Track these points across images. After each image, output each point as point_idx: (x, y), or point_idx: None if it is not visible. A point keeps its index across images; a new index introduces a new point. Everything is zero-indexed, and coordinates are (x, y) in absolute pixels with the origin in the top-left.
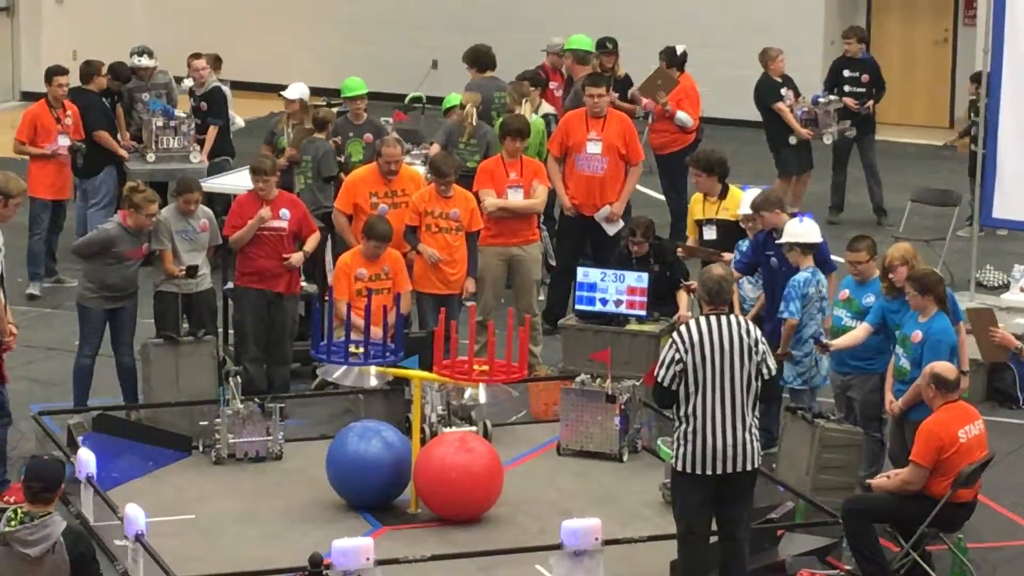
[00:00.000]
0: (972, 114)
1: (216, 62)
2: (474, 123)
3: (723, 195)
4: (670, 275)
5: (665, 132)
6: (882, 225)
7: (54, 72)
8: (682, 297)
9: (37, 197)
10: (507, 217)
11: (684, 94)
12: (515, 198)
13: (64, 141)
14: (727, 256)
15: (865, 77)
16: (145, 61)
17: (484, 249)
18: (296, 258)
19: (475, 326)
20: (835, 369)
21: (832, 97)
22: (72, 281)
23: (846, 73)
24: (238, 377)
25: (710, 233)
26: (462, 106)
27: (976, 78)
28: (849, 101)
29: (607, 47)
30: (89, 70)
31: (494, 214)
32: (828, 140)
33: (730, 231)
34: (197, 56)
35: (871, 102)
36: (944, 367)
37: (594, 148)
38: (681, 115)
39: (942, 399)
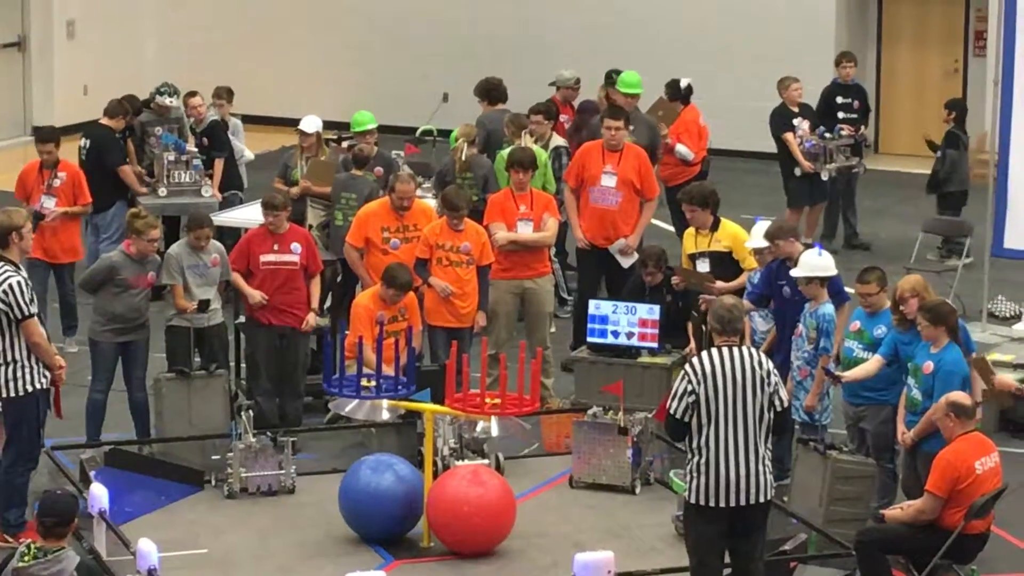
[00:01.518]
0: (944, 141)
1: (229, 95)
2: (463, 157)
3: (715, 227)
4: (682, 305)
5: (670, 164)
6: (854, 248)
7: (40, 139)
8: (693, 328)
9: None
10: (518, 250)
11: (684, 127)
12: (525, 231)
13: (49, 204)
14: (720, 284)
15: (857, 103)
16: (172, 101)
17: (496, 283)
18: (311, 321)
19: (487, 360)
20: (847, 400)
21: (843, 133)
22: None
23: (839, 100)
24: (250, 411)
25: (703, 266)
26: (456, 139)
27: (950, 105)
28: (847, 129)
29: (612, 78)
30: (118, 109)
31: (505, 247)
32: (825, 176)
33: (723, 263)
34: (193, 94)
35: (864, 128)
36: (960, 395)
37: (609, 181)
38: (680, 148)
39: (961, 428)
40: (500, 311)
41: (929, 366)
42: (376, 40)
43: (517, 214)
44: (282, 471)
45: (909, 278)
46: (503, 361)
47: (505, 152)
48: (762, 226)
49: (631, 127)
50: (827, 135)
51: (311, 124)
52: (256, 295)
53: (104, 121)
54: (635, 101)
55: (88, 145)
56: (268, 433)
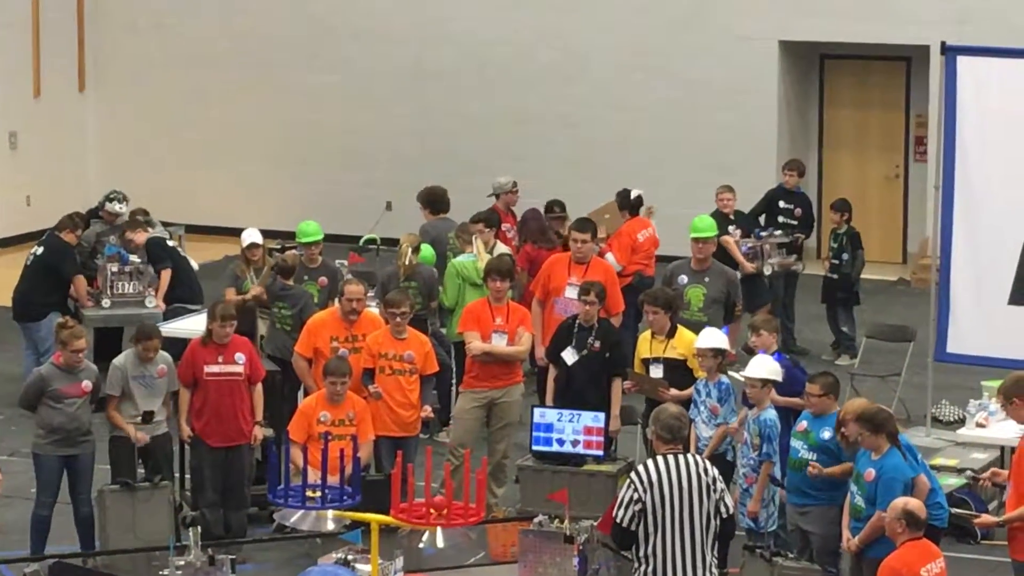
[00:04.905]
0: (832, 242)
1: (145, 214)
2: (408, 263)
3: (671, 334)
4: (609, 357)
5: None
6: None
7: None
8: (616, 386)
9: None
10: (490, 362)
11: (618, 237)
12: (500, 343)
13: None
14: (673, 392)
15: (799, 211)
16: (122, 207)
17: (464, 392)
18: (258, 436)
19: (449, 467)
20: (791, 502)
21: (777, 232)
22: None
23: (782, 204)
24: (198, 526)
25: (656, 371)
26: (416, 249)
27: (836, 206)
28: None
29: (555, 211)
30: (68, 223)
31: (478, 358)
32: (768, 271)
33: (677, 371)
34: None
35: (804, 238)
36: (916, 505)
37: (573, 293)
38: (609, 257)
39: (908, 536)
40: (463, 420)
41: (871, 473)
42: (318, 150)
43: (493, 325)
44: None
45: (854, 401)
46: (467, 456)
47: (458, 261)
48: (711, 332)
49: (706, 278)
50: (762, 234)
51: (253, 236)
52: (185, 432)
53: (60, 234)
54: (709, 248)
55: (42, 252)
56: (209, 550)
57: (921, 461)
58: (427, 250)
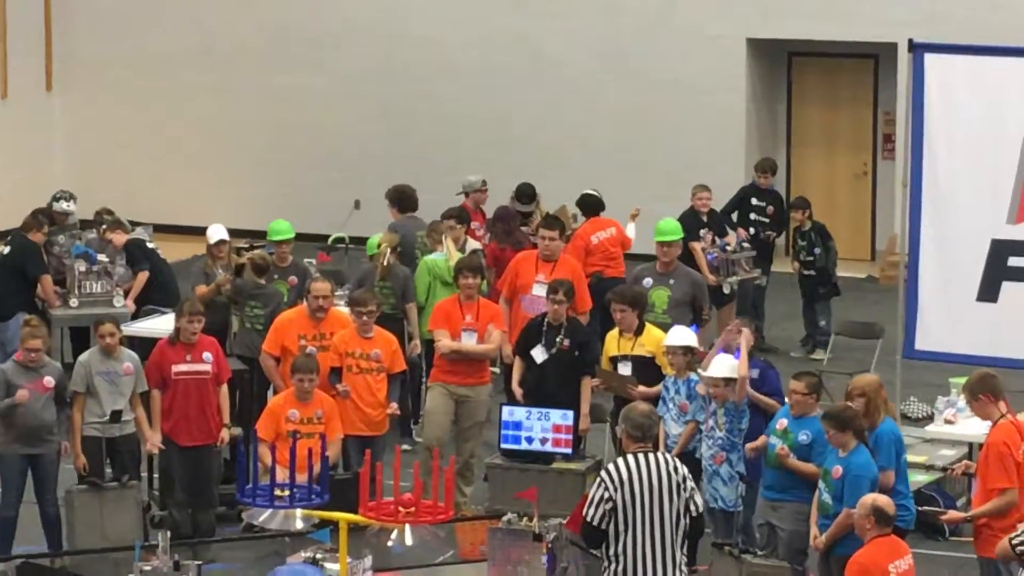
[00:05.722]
0: (800, 240)
1: (109, 214)
2: (387, 263)
3: (639, 331)
4: (578, 355)
5: None
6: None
7: None
8: (585, 384)
9: None
10: (459, 359)
11: (574, 239)
12: (469, 341)
13: None
14: (642, 389)
15: (771, 209)
16: (69, 206)
17: (433, 386)
18: (225, 437)
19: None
20: (765, 495)
21: (746, 245)
22: None
23: (754, 201)
24: (167, 530)
25: (625, 369)
26: (378, 246)
27: (796, 204)
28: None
29: (523, 201)
30: (32, 223)
31: (447, 356)
32: (727, 290)
33: (645, 368)
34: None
35: (775, 237)
36: (885, 501)
37: (540, 291)
38: None
39: (876, 532)
40: (435, 414)
41: (838, 470)
42: (287, 148)
43: (462, 323)
44: None
45: (863, 377)
46: (436, 454)
47: (429, 259)
48: (680, 330)
49: (671, 281)
50: (728, 247)
51: (218, 233)
52: (156, 441)
53: (26, 234)
54: (674, 251)
55: (8, 252)
56: (175, 556)
57: (904, 459)
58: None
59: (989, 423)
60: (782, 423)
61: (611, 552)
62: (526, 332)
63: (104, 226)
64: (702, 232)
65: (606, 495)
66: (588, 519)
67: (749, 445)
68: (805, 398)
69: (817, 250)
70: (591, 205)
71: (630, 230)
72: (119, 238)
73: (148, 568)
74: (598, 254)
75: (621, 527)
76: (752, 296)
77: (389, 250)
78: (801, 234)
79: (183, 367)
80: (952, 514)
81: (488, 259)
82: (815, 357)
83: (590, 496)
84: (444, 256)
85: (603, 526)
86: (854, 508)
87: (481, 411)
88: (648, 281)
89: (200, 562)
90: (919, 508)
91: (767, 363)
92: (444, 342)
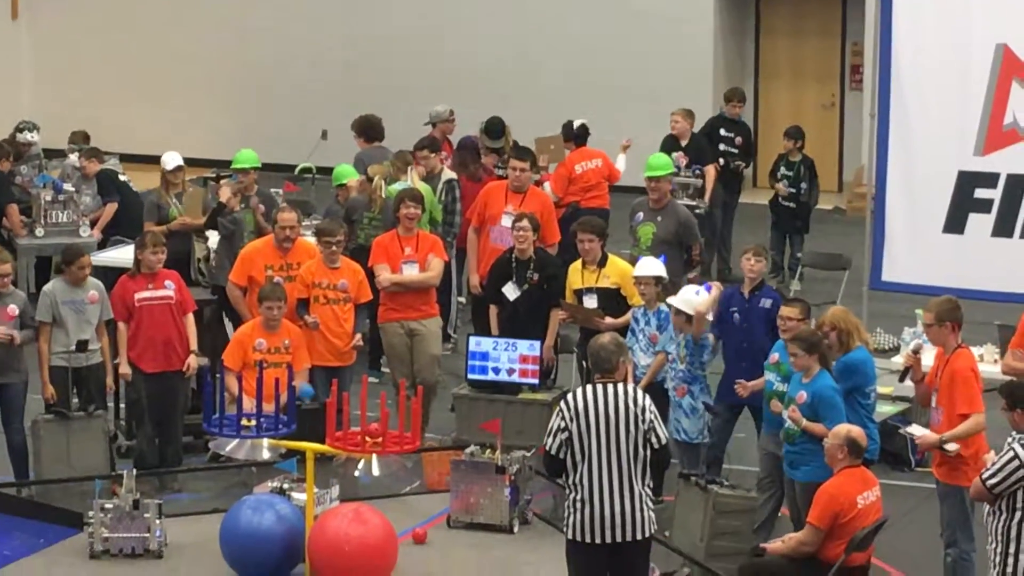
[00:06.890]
0: (786, 169)
1: (86, 139)
2: (384, 196)
3: (602, 263)
4: (547, 288)
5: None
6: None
7: None
8: (554, 316)
9: None
10: (403, 292)
11: (558, 168)
12: (410, 273)
13: None
14: (609, 320)
15: (739, 139)
16: (32, 136)
17: (385, 326)
18: (192, 365)
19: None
20: (769, 432)
21: (692, 178)
22: None
23: (723, 132)
24: (133, 470)
25: (590, 301)
26: (369, 179)
27: (790, 133)
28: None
29: (488, 138)
30: (1, 152)
31: (388, 289)
32: None
33: (610, 299)
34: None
35: (742, 164)
36: (858, 432)
37: (509, 222)
38: (546, 186)
39: (847, 463)
40: (394, 353)
41: (803, 396)
42: (253, 80)
43: (402, 256)
44: (148, 534)
45: (834, 310)
46: (403, 385)
47: (392, 188)
48: (649, 260)
49: (659, 218)
50: (681, 173)
51: (177, 159)
52: (124, 370)
53: None
54: (663, 186)
55: None
56: (137, 493)
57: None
58: (349, 170)
59: (938, 350)
60: (774, 357)
61: (571, 481)
62: (494, 271)
63: (79, 152)
64: (674, 156)
65: (562, 424)
66: (547, 448)
67: (742, 383)
68: (800, 324)
69: (803, 185)
70: (576, 133)
71: (620, 162)
72: (92, 166)
73: (109, 506)
74: (579, 184)
75: (578, 456)
76: (720, 227)
77: (383, 183)
78: (788, 164)
79: (145, 294)
80: (928, 436)
81: None
82: (796, 287)
83: (549, 426)
84: (408, 185)
85: (561, 455)
86: (829, 435)
87: (433, 344)
88: (640, 216)
89: (160, 501)
90: (898, 432)
91: (779, 292)
92: (384, 276)
